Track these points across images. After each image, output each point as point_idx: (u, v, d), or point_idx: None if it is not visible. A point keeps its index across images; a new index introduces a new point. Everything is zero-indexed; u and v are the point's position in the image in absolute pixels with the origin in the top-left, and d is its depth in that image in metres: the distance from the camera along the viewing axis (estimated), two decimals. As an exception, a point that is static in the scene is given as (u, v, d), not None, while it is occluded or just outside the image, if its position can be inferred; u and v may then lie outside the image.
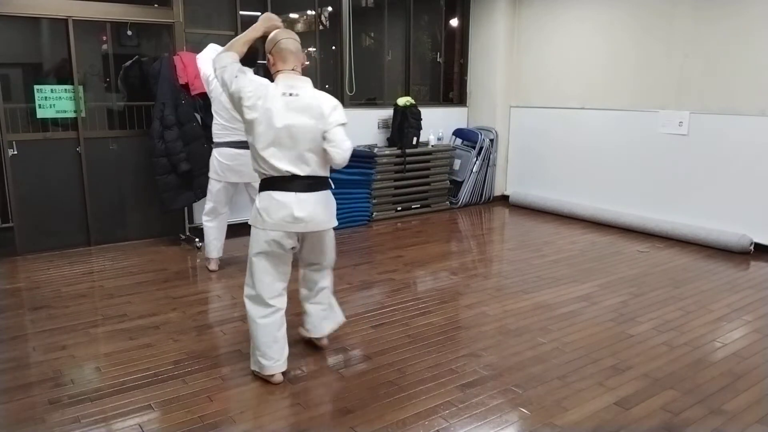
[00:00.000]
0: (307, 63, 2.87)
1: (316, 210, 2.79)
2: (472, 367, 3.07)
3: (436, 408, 2.69)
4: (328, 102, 2.75)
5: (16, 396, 2.79)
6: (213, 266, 4.70)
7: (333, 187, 2.92)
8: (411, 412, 2.65)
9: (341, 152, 2.69)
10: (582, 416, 2.63)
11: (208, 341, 3.40)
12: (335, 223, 2.96)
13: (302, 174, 2.75)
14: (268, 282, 2.85)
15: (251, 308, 2.89)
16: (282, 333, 2.94)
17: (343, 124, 2.73)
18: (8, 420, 2.60)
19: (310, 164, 2.75)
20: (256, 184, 3.00)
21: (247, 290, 2.91)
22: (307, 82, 2.80)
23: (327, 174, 2.86)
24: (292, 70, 2.79)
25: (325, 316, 3.22)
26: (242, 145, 4.13)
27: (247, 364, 3.07)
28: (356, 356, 3.23)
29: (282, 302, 2.93)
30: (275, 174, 2.74)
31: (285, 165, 2.72)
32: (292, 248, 2.89)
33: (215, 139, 4.51)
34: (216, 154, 4.49)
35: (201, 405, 2.71)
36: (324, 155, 2.74)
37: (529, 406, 2.71)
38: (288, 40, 2.78)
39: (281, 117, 2.68)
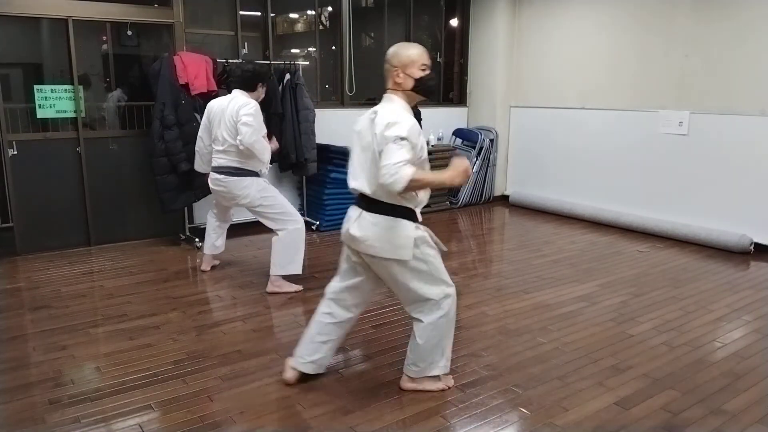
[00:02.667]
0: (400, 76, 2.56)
1: (372, 232, 2.58)
2: (472, 367, 3.07)
3: (436, 408, 2.68)
4: (383, 118, 2.47)
5: (16, 396, 2.79)
6: (204, 266, 4.70)
7: (407, 216, 2.59)
8: (411, 412, 2.65)
9: (382, 178, 2.36)
10: (582, 416, 2.63)
11: (208, 341, 3.40)
12: (401, 256, 2.59)
13: (366, 193, 2.59)
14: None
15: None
16: (321, 339, 2.84)
17: (397, 139, 2.37)
18: (8, 420, 2.59)
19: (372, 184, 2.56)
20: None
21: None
22: (388, 100, 2.58)
23: (391, 200, 2.55)
24: (387, 90, 2.63)
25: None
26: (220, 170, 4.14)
27: (247, 364, 3.08)
28: (356, 356, 3.23)
29: (341, 314, 2.83)
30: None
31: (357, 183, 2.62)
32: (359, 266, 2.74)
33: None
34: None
35: (201, 405, 2.70)
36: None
37: (529, 406, 2.71)
38: (387, 60, 2.61)
39: (356, 144, 2.63)
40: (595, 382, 2.94)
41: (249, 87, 4.12)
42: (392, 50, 2.60)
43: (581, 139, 6.56)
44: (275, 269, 4.15)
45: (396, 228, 2.57)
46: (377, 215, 2.57)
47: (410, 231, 2.60)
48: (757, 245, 5.16)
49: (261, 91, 4.21)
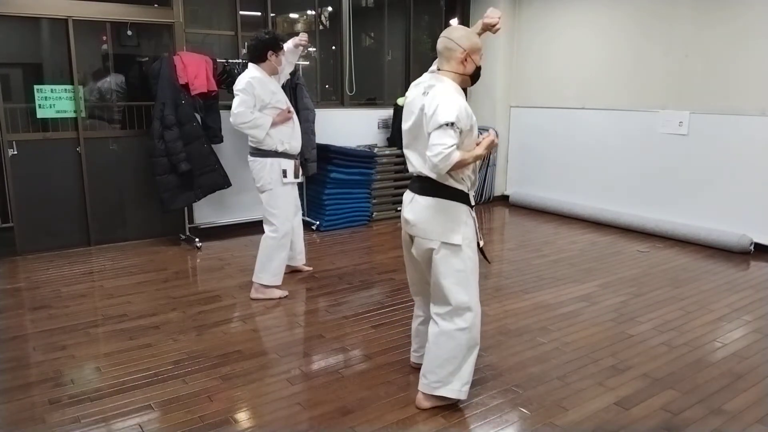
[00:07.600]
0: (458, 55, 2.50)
1: (423, 215, 2.56)
2: (472, 367, 3.07)
3: (436, 408, 2.68)
4: (434, 99, 2.41)
5: (16, 396, 2.79)
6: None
7: (456, 198, 2.52)
8: (411, 412, 2.65)
9: (430, 158, 2.34)
10: (582, 416, 2.63)
11: (208, 341, 3.40)
12: (450, 240, 2.55)
13: (420, 174, 2.57)
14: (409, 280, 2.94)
15: None
16: (417, 340, 2.98)
17: (443, 125, 2.33)
18: (8, 420, 2.59)
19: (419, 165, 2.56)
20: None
21: None
22: (439, 80, 2.51)
23: (444, 182, 2.51)
24: (438, 70, 2.61)
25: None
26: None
27: (247, 364, 3.08)
28: (356, 356, 3.23)
29: (419, 309, 2.96)
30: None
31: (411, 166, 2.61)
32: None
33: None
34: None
35: (201, 405, 2.70)
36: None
37: (529, 406, 2.71)
38: (439, 41, 2.61)
39: (406, 115, 2.60)
40: (595, 382, 2.94)
41: (258, 58, 3.89)
42: (458, 33, 2.55)
43: (581, 139, 6.56)
44: (254, 275, 4.05)
45: (449, 210, 2.54)
46: (430, 198, 2.54)
47: (463, 215, 2.57)
48: (757, 245, 5.15)
49: (274, 60, 3.91)
